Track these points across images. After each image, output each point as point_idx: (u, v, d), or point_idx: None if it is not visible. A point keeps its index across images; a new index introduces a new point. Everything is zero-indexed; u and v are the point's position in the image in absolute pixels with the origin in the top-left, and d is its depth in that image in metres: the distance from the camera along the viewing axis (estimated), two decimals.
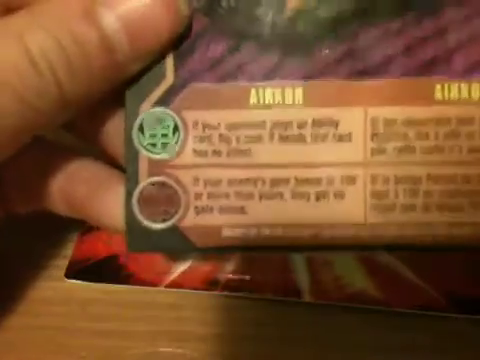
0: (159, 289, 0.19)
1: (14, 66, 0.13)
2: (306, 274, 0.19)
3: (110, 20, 0.14)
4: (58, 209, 0.18)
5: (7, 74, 0.13)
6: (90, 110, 0.16)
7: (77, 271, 0.19)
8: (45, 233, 0.20)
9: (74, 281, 0.19)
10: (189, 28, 0.15)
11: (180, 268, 0.20)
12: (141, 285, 0.19)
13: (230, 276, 0.19)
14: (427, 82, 0.15)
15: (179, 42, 0.15)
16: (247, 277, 0.19)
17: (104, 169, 0.17)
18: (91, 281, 0.19)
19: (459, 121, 0.15)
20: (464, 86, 0.15)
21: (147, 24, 0.14)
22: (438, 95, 0.15)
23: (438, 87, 0.15)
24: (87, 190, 0.17)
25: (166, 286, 0.19)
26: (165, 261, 0.20)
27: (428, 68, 0.15)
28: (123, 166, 0.16)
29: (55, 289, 0.19)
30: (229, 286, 0.19)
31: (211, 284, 0.19)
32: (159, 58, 0.15)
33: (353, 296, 0.19)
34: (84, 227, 0.21)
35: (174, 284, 0.19)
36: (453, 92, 0.15)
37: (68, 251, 0.20)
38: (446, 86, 0.15)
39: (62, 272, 0.19)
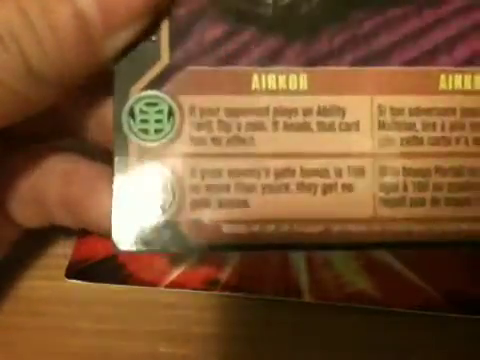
0: (159, 289, 0.19)
1: None
2: (306, 274, 0.19)
3: None
4: (61, 218, 0.17)
5: None
6: (83, 102, 0.16)
7: (77, 271, 0.19)
8: (45, 233, 0.20)
9: (74, 281, 0.19)
10: (186, 7, 0.14)
11: (180, 268, 0.20)
12: (141, 285, 0.19)
13: (230, 276, 0.19)
14: (431, 72, 0.15)
15: (175, 21, 0.14)
16: (247, 277, 0.19)
17: (100, 168, 0.17)
18: (91, 281, 0.19)
19: (463, 112, 0.15)
20: (467, 77, 0.15)
21: None
22: (442, 85, 0.15)
23: (442, 77, 0.15)
24: (83, 192, 0.16)
25: (166, 286, 0.19)
26: (165, 261, 0.20)
27: (430, 57, 0.15)
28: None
29: (55, 289, 0.19)
30: (229, 286, 0.19)
31: (211, 284, 0.19)
32: (154, 35, 0.14)
33: (353, 296, 0.19)
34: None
35: (174, 284, 0.19)
36: (457, 82, 0.15)
37: (68, 251, 0.20)
38: (450, 76, 0.15)
39: (62, 272, 0.19)
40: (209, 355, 0.18)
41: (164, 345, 0.18)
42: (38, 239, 0.20)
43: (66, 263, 0.20)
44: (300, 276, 0.19)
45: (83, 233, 0.21)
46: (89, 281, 0.19)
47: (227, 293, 0.19)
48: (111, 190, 0.14)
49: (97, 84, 0.15)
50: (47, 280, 0.19)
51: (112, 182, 0.14)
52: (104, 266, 0.20)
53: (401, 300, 0.18)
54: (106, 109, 0.16)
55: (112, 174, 0.14)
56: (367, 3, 0.15)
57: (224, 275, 0.19)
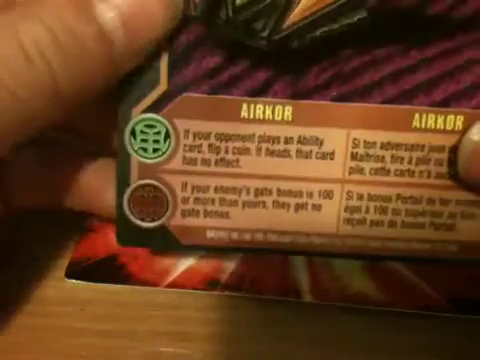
0: (159, 289, 0.19)
1: (6, 59, 0.13)
2: (306, 274, 0.19)
3: (106, 12, 0.13)
4: (67, 202, 0.18)
5: None
6: (96, 110, 0.17)
7: (77, 271, 0.19)
8: (45, 233, 0.20)
9: (74, 281, 0.19)
10: (185, 36, 0.15)
11: (180, 268, 0.20)
12: (141, 285, 0.19)
13: (230, 276, 0.19)
14: (407, 110, 0.16)
15: (175, 49, 0.15)
16: (247, 277, 0.19)
17: (108, 162, 0.18)
18: (91, 281, 0.19)
19: (431, 148, 0.16)
20: (440, 117, 0.16)
21: (143, 16, 0.14)
22: (416, 123, 0.16)
23: (417, 116, 0.16)
24: (93, 181, 0.18)
25: (166, 286, 0.19)
26: (165, 261, 0.20)
27: (409, 96, 0.16)
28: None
29: (55, 289, 0.19)
30: (229, 286, 0.19)
31: (211, 284, 0.19)
32: (154, 63, 0.15)
33: (353, 296, 0.19)
34: (84, 227, 0.21)
35: (174, 284, 0.19)
36: (430, 121, 0.16)
37: (68, 251, 0.20)
38: (424, 115, 0.16)
39: (62, 272, 0.19)
40: (209, 355, 0.18)
41: (164, 345, 0.18)
42: (38, 239, 0.20)
43: (66, 263, 0.20)
44: (300, 277, 0.19)
45: (83, 233, 0.21)
46: (89, 281, 0.19)
47: (227, 293, 0.19)
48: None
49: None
50: (47, 280, 0.19)
51: (115, 191, 0.16)
52: (104, 266, 0.20)
53: (401, 301, 0.18)
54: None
55: (115, 185, 0.16)
56: (357, 42, 0.15)
57: (224, 275, 0.19)
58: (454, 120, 0.16)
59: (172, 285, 0.19)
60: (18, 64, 0.13)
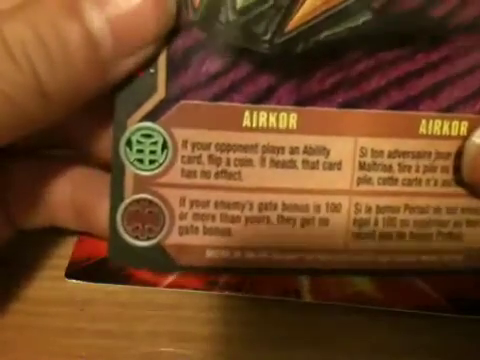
0: (159, 289, 0.19)
1: None
2: (306, 274, 0.19)
3: (94, 15, 0.13)
4: (64, 221, 0.18)
5: None
6: (89, 119, 0.16)
7: (77, 271, 0.19)
8: (45, 233, 0.20)
9: (74, 281, 0.19)
10: (183, 41, 0.14)
11: None
12: (141, 285, 0.19)
13: (230, 276, 0.19)
14: (414, 117, 0.15)
15: (173, 55, 0.14)
16: (247, 277, 0.19)
17: (102, 176, 0.17)
18: (91, 281, 0.19)
19: (438, 155, 0.16)
20: (446, 123, 0.15)
21: (133, 21, 0.14)
22: (423, 130, 0.16)
23: (423, 122, 0.15)
24: (86, 200, 0.17)
25: (166, 286, 0.19)
26: None
27: (415, 102, 0.15)
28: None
29: (55, 289, 0.19)
30: (229, 286, 0.19)
31: (211, 284, 0.19)
32: (151, 70, 0.15)
33: (353, 296, 0.19)
34: None
35: (174, 284, 0.19)
36: (436, 128, 0.16)
37: (68, 251, 0.20)
38: (431, 121, 0.15)
39: (62, 272, 0.19)
40: (209, 355, 0.18)
41: (164, 345, 0.18)
42: (38, 239, 0.20)
43: (66, 263, 0.20)
44: (300, 277, 0.19)
45: (83, 233, 0.21)
46: (89, 281, 0.19)
47: (227, 293, 0.19)
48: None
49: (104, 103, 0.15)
50: (47, 280, 0.19)
51: (108, 206, 0.15)
52: (104, 266, 0.20)
53: (401, 301, 0.18)
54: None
55: (110, 200, 0.15)
56: (362, 44, 0.15)
57: (224, 275, 0.19)
58: (459, 126, 0.16)
59: (172, 285, 0.19)
60: (4, 64, 0.13)
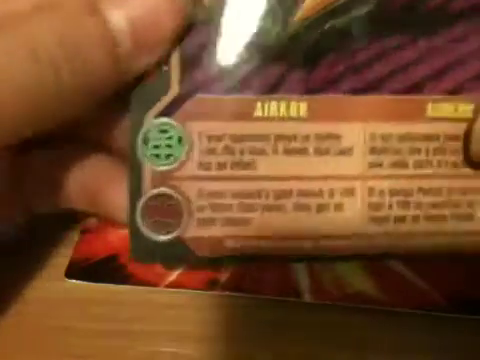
0: (159, 289, 0.19)
1: (15, 56, 0.13)
2: (306, 274, 0.19)
3: (114, 14, 0.14)
4: (78, 204, 0.18)
5: (4, 63, 0.13)
6: (102, 116, 0.17)
7: (77, 271, 0.19)
8: (45, 233, 0.20)
9: (74, 281, 0.19)
10: (195, 39, 0.15)
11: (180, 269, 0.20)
12: (141, 285, 0.19)
13: (230, 276, 0.19)
14: (421, 100, 0.16)
15: (185, 52, 0.15)
16: (247, 277, 0.19)
17: (113, 163, 0.18)
18: (91, 281, 0.19)
19: (446, 137, 0.16)
20: (452, 105, 0.16)
21: (151, 21, 0.14)
22: (429, 113, 0.16)
23: (430, 105, 0.16)
24: (98, 183, 0.17)
25: (166, 286, 0.19)
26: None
27: (421, 85, 0.16)
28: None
29: (55, 289, 0.19)
30: (229, 286, 0.19)
31: (211, 284, 0.19)
32: (165, 67, 0.15)
33: (353, 296, 0.19)
34: (84, 227, 0.21)
35: (174, 284, 0.19)
36: (443, 110, 0.16)
37: (68, 251, 0.20)
38: (437, 105, 0.16)
39: (62, 272, 0.19)
40: (209, 355, 0.18)
41: (164, 345, 0.18)
42: (38, 239, 0.20)
43: (66, 263, 0.20)
44: (300, 276, 0.19)
45: (83, 233, 0.21)
46: (89, 281, 0.19)
47: (227, 293, 0.19)
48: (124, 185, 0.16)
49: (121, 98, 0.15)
50: (47, 280, 0.19)
51: (128, 203, 0.16)
52: (104, 266, 0.20)
53: (402, 300, 0.18)
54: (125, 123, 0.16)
55: (128, 196, 0.15)
56: (366, 33, 0.15)
57: (224, 275, 0.19)
58: (465, 108, 0.16)
59: (172, 285, 0.19)
60: (27, 64, 0.13)
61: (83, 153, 0.18)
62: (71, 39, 0.13)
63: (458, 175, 0.16)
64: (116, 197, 0.17)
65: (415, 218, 0.16)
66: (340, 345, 0.18)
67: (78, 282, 0.19)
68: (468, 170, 0.16)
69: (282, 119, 0.15)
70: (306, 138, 0.15)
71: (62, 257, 0.20)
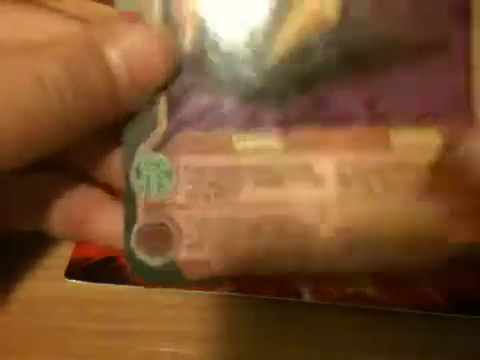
0: (159, 289, 0.19)
1: (24, 88, 0.14)
2: (306, 274, 0.19)
3: (114, 56, 0.15)
4: (56, 230, 0.18)
5: (13, 90, 0.14)
6: (96, 148, 0.18)
7: (77, 271, 0.20)
8: (45, 233, 0.20)
9: (74, 281, 0.19)
10: (181, 81, 0.16)
11: None
12: (141, 285, 0.19)
13: (230, 276, 0.19)
14: (384, 130, 0.17)
15: (172, 94, 0.17)
16: (247, 277, 0.19)
17: (97, 193, 0.18)
18: (91, 281, 0.19)
19: (413, 165, 0.17)
20: (416, 133, 0.17)
21: (146, 61, 0.15)
22: (394, 141, 0.17)
23: (393, 134, 0.17)
24: (84, 212, 0.18)
25: (166, 286, 0.19)
26: None
27: (386, 118, 0.17)
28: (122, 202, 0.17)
29: (55, 289, 0.19)
30: (229, 286, 0.19)
31: (211, 284, 0.19)
32: (154, 106, 0.17)
33: (353, 296, 0.19)
34: None
35: None
36: (407, 138, 0.17)
37: (68, 251, 0.20)
38: (399, 133, 0.17)
39: (62, 272, 0.19)
40: (209, 355, 0.18)
41: (164, 345, 0.18)
42: (38, 239, 0.20)
43: (66, 263, 0.20)
44: (300, 276, 0.19)
45: None
46: (89, 281, 0.19)
47: (227, 293, 0.19)
48: (109, 212, 0.18)
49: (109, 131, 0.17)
50: (47, 280, 0.19)
51: (111, 207, 0.18)
52: (104, 266, 0.20)
53: (401, 300, 0.18)
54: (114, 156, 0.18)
55: (124, 224, 0.17)
56: (334, 77, 0.17)
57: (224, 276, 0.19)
58: (431, 135, 0.17)
59: None
60: (37, 95, 0.14)
61: (68, 182, 0.18)
62: (75, 66, 0.15)
63: (429, 199, 0.17)
64: (106, 226, 0.18)
65: (390, 240, 0.17)
66: (340, 345, 0.18)
67: (78, 282, 0.19)
68: (440, 194, 0.17)
69: (259, 151, 0.17)
70: (281, 168, 0.17)
71: (62, 257, 0.20)
